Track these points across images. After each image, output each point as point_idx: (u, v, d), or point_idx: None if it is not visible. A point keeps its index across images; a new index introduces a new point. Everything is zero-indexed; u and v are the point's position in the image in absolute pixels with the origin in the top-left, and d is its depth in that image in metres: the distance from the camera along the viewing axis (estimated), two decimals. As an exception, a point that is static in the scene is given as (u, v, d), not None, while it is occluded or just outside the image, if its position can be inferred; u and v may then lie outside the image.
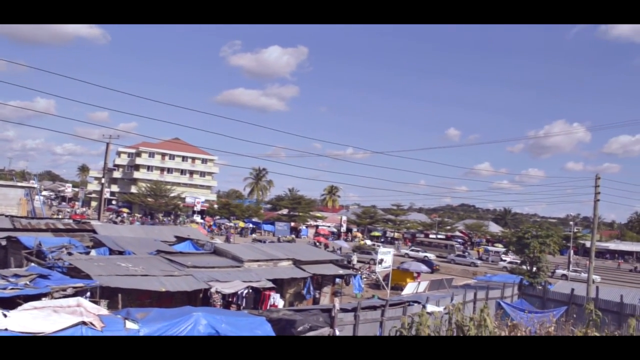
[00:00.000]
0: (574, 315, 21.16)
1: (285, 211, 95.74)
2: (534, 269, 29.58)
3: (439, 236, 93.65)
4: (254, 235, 75.41)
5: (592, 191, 33.13)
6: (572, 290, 27.21)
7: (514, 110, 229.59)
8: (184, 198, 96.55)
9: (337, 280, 31.56)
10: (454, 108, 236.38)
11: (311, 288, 25.70)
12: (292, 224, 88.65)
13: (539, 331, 15.76)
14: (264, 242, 48.51)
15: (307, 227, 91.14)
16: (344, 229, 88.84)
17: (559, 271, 57.05)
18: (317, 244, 63.54)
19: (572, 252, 69.96)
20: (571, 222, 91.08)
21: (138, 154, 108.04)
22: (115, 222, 61.15)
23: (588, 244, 52.24)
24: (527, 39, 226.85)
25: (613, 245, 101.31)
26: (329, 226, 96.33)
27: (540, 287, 28.57)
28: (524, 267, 30.48)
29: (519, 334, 14.95)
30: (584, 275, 46.33)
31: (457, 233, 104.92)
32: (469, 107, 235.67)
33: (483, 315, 11.09)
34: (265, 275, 22.49)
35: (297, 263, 25.91)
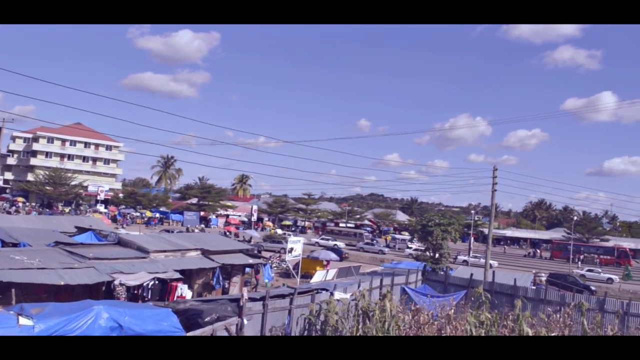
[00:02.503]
0: (472, 299, 22.38)
1: (194, 200, 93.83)
2: (437, 255, 30.96)
3: (348, 225, 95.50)
4: (158, 226, 73.41)
5: (491, 182, 35.12)
6: (471, 275, 28.73)
7: (422, 103, 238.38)
8: (87, 187, 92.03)
9: (247, 269, 31.42)
10: (365, 100, 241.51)
11: (220, 278, 25.41)
12: (202, 213, 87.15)
13: (440, 314, 16.53)
14: (172, 232, 47.34)
15: (217, 216, 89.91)
16: (254, 218, 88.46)
17: (461, 257, 60.03)
18: (227, 233, 62.96)
19: (472, 239, 73.88)
20: (472, 211, 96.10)
21: (35, 139, 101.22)
22: (9, 213, 57.34)
23: (487, 231, 55.41)
24: (435, 35, 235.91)
25: (510, 233, 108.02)
26: (239, 215, 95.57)
27: (442, 273, 29.93)
28: (428, 253, 31.80)
29: (421, 317, 15.64)
30: (484, 261, 49.14)
31: (366, 222, 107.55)
32: (379, 100, 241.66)
33: (385, 301, 11.57)
34: (172, 266, 21.95)
35: (206, 253, 25.49)
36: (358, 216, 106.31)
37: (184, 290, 21.40)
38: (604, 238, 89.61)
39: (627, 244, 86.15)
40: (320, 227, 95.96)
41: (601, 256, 74.00)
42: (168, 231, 48.70)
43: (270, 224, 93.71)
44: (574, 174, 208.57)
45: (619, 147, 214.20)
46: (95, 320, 11.36)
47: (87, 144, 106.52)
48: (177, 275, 21.28)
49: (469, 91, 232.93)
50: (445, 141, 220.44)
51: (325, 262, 41.36)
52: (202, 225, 77.29)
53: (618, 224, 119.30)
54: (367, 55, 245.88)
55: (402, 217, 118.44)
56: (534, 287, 31.82)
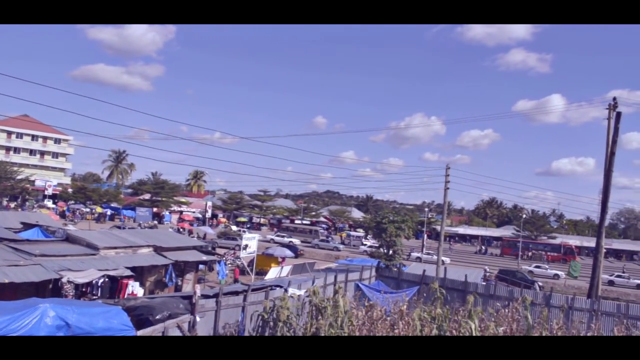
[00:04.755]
0: (424, 295, 22.75)
1: (147, 196, 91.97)
2: (391, 252, 31.31)
3: (304, 222, 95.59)
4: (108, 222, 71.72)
5: (444, 180, 35.80)
6: (424, 271, 29.20)
7: (378, 101, 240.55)
8: (34, 181, 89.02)
9: (201, 266, 31.05)
10: (321, 98, 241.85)
11: (173, 275, 25.05)
12: (155, 209, 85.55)
13: (394, 310, 16.74)
14: (124, 228, 46.31)
15: (170, 212, 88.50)
16: (209, 214, 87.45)
17: (414, 254, 60.92)
18: (181, 230, 62.10)
19: (425, 236, 75.17)
20: (426, 209, 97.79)
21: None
22: (-51, 208, 54.83)
23: (440, 228, 56.41)
24: (391, 34, 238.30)
25: (462, 230, 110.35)
26: (193, 212, 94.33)
27: (395, 269, 30.30)
28: (382, 250, 32.13)
29: (374, 313, 15.80)
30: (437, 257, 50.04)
31: (322, 219, 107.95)
32: (335, 97, 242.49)
33: (337, 297, 11.61)
34: (123, 263, 21.49)
35: (159, 250, 25.07)
36: (314, 213, 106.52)
37: (135, 288, 20.99)
38: (551, 235, 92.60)
39: (573, 241, 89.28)
40: (276, 224, 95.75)
41: (548, 253, 76.55)
42: (119, 227, 47.57)
43: (225, 220, 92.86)
44: (523, 174, 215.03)
45: (567, 148, 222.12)
46: (41, 318, 10.98)
47: (34, 137, 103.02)
48: (128, 273, 20.86)
49: (424, 90, 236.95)
50: (401, 139, 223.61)
51: (280, 259, 41.28)
52: (155, 222, 75.90)
53: (565, 222, 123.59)
54: (324, 53, 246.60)
55: (357, 214, 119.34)
56: (484, 283, 32.61)
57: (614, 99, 29.11)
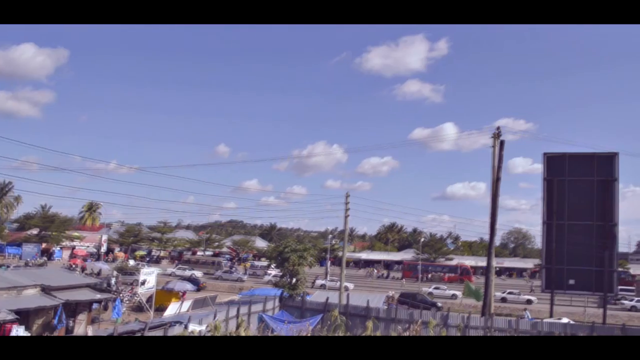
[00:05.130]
0: (329, 322, 22.78)
1: (35, 231, 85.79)
2: (294, 281, 31.21)
3: (206, 253, 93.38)
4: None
5: (345, 208, 36.39)
6: (327, 299, 29.34)
7: (281, 130, 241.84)
8: None
9: (95, 305, 29.27)
10: (224, 125, 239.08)
11: (63, 316, 23.37)
12: (44, 245, 79.93)
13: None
14: (8, 267, 42.80)
15: (61, 248, 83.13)
16: (104, 249, 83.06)
17: (319, 281, 61.15)
18: (73, 266, 58.58)
19: (329, 263, 75.85)
20: (329, 236, 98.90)
21: None
22: None
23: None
24: (293, 63, 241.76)
25: (365, 255, 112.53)
26: (87, 246, 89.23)
27: (299, 298, 30.20)
28: (285, 279, 31.96)
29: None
30: (345, 284, 50.48)
31: (225, 249, 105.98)
32: (238, 125, 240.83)
33: (240, 330, 11.32)
34: (5, 306, 19.79)
35: (47, 290, 23.36)
36: (216, 244, 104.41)
37: (20, 332, 19.36)
38: (448, 257, 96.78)
39: (469, 261, 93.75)
40: (177, 257, 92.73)
41: (446, 274, 79.80)
42: (2, 266, 43.87)
43: (122, 254, 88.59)
44: (421, 199, 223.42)
45: (460, 173, 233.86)
46: None
47: None
48: (12, 317, 19.20)
49: (326, 119, 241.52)
50: (304, 168, 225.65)
51: (181, 294, 39.85)
52: (44, 259, 70.90)
53: (460, 243, 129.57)
54: (226, 77, 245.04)
55: (261, 243, 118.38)
56: (386, 307, 33.28)
57: (498, 128, 31.20)
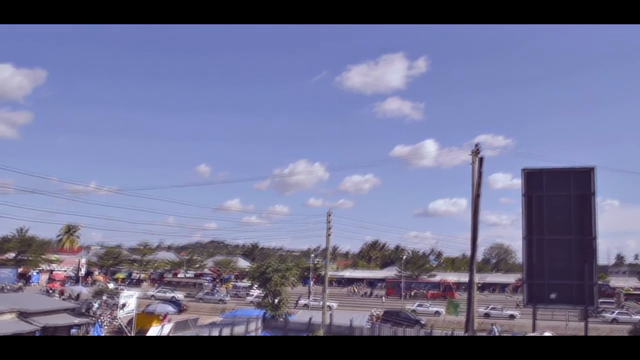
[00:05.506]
0: (312, 343, 22.56)
1: (12, 255, 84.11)
2: (277, 301, 30.96)
3: (188, 275, 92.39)
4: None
5: (326, 226, 36.32)
6: (310, 318, 29.13)
7: (262, 149, 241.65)
8: None
9: (73, 330, 28.68)
10: (204, 145, 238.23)
11: (39, 343, 22.81)
12: (21, 269, 78.34)
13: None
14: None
15: (39, 272, 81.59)
16: (83, 272, 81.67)
17: (302, 301, 60.71)
18: (51, 290, 57.48)
19: (312, 282, 75.40)
20: (312, 254, 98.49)
21: None
22: None
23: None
24: (273, 81, 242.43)
25: (348, 273, 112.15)
26: (65, 270, 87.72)
27: (282, 319, 29.94)
28: (268, 300, 31.69)
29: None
30: (328, 303, 50.20)
31: (207, 270, 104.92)
32: (219, 146, 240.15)
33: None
34: (-21, 333, 19.26)
35: (24, 315, 22.85)
36: (198, 265, 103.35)
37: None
38: (431, 274, 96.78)
39: (452, 277, 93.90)
40: (158, 279, 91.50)
41: (430, 291, 79.78)
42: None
43: (102, 277, 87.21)
44: (404, 215, 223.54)
45: (441, 189, 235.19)
46: None
47: None
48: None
49: (307, 138, 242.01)
50: (285, 186, 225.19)
51: (162, 316, 39.24)
52: (21, 284, 69.49)
53: (443, 259, 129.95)
54: (205, 98, 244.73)
55: (243, 263, 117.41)
56: (370, 325, 33.12)
57: (477, 145, 31.57)
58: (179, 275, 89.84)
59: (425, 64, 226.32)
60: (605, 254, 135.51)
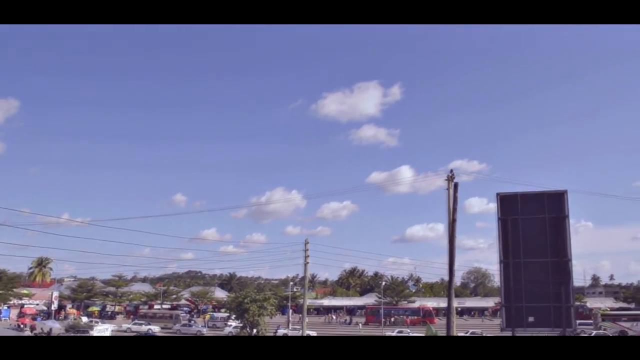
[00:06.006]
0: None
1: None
2: (254, 332, 30.37)
3: (164, 306, 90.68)
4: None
5: (304, 254, 35.96)
6: (288, 349, 28.54)
7: (238, 177, 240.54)
8: None
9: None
10: (180, 175, 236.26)
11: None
12: (-10, 305, 76.17)
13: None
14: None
15: (9, 307, 79.28)
16: (55, 306, 79.53)
17: (281, 331, 59.72)
18: (22, 326, 55.82)
19: (291, 311, 74.48)
20: (291, 283, 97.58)
21: None
22: None
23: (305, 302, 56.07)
24: (249, 111, 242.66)
25: (327, 302, 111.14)
26: (37, 304, 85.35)
27: (259, 350, 29.31)
28: (246, 330, 31.09)
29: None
30: (307, 332, 49.43)
31: (184, 301, 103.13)
32: (195, 174, 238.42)
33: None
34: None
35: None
36: (174, 296, 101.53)
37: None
38: (410, 300, 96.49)
39: (431, 303, 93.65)
40: (133, 311, 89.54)
41: (409, 317, 79.41)
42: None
43: (75, 311, 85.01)
44: (382, 242, 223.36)
45: (418, 215, 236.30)
46: None
47: None
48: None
49: (284, 165, 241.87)
50: (263, 214, 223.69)
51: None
52: (-10, 320, 67.42)
53: (422, 285, 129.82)
54: (182, 126, 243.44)
55: (221, 293, 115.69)
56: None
57: (451, 171, 31.73)
58: (154, 307, 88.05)
59: (399, 91, 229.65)
60: (581, 275, 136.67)
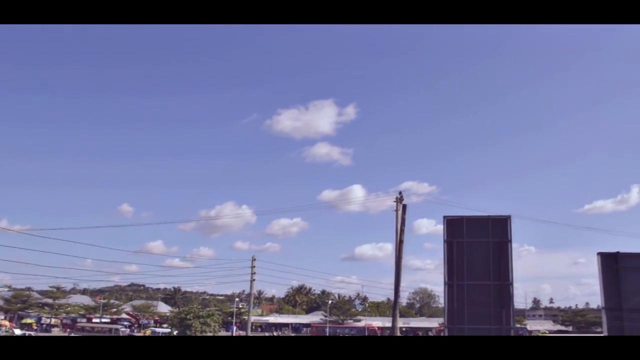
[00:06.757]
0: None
1: None
2: (196, 349, 29.67)
3: (103, 320, 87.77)
4: None
5: (250, 271, 35.52)
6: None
7: (187, 190, 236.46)
8: None
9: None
10: (128, 186, 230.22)
11: None
12: None
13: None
14: None
15: None
16: (-13, 317, 75.84)
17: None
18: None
19: (235, 327, 73.39)
20: (237, 299, 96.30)
21: None
22: None
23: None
24: (202, 125, 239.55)
25: (272, 319, 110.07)
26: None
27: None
28: (187, 347, 30.32)
29: None
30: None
31: (124, 315, 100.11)
32: (143, 186, 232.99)
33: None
34: None
35: None
36: (115, 309, 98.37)
37: None
38: (356, 319, 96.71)
39: (376, 322, 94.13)
40: (70, 324, 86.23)
41: (354, 336, 79.50)
42: None
43: (7, 323, 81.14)
44: (331, 260, 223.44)
45: (367, 234, 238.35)
46: None
47: None
48: None
49: (236, 179, 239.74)
50: (211, 228, 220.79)
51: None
52: None
53: (368, 304, 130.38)
54: (133, 139, 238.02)
55: (164, 308, 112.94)
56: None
57: (400, 192, 32.15)
58: (93, 321, 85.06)
59: (354, 111, 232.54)
60: (522, 298, 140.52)
